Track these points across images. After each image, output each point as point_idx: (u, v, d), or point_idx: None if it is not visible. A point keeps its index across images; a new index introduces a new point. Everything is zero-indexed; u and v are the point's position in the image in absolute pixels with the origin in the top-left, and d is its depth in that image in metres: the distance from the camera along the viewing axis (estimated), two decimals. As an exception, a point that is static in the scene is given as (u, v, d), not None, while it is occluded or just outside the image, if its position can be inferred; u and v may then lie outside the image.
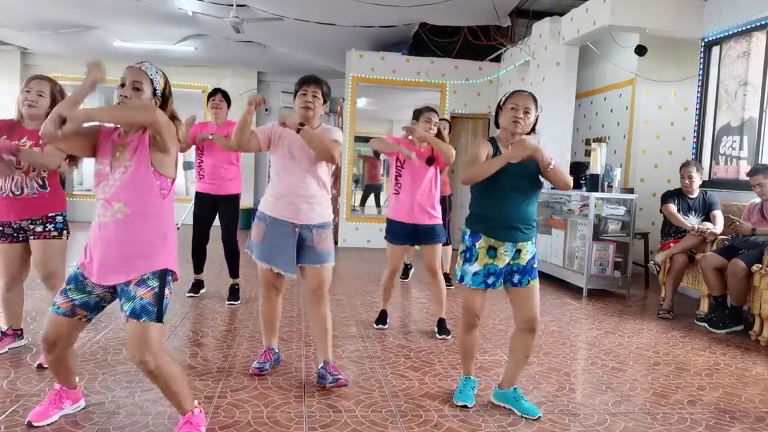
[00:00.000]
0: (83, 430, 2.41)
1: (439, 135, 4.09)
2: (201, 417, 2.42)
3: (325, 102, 3.08)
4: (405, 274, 6.09)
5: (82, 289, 2.29)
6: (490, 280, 2.73)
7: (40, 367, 3.05)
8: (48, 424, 2.43)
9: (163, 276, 2.28)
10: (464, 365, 2.98)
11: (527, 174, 2.69)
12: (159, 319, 2.23)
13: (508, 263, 2.74)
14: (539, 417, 2.74)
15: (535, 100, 2.74)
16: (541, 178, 2.75)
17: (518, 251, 2.73)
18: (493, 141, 2.77)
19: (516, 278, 2.74)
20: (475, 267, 2.72)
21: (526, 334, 2.77)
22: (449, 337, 4.03)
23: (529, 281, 2.74)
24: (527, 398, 2.87)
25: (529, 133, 2.75)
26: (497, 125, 2.80)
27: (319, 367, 3.06)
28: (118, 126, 2.35)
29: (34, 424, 2.40)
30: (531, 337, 2.77)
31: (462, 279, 2.78)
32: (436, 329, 4.12)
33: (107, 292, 2.32)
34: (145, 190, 2.27)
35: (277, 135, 3.05)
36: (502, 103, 2.77)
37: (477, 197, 2.79)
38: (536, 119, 2.75)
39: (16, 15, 7.99)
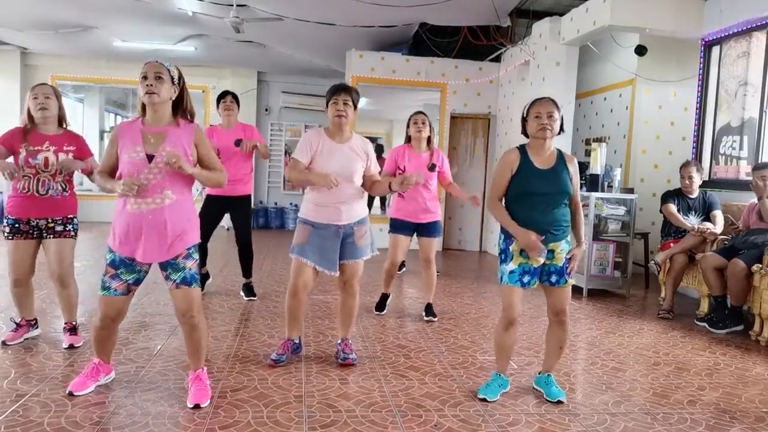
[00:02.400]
0: (83, 430, 2.42)
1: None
2: (205, 375, 2.87)
3: (355, 108, 3.28)
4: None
5: (132, 269, 2.68)
6: (525, 279, 2.85)
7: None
8: (86, 394, 2.75)
9: (197, 248, 2.75)
10: (498, 362, 3.07)
11: (557, 182, 2.84)
12: (199, 284, 2.74)
13: (544, 263, 2.87)
14: (558, 400, 2.91)
15: (555, 103, 2.88)
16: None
17: (551, 251, 2.85)
18: (523, 149, 2.90)
19: (554, 278, 2.89)
20: (511, 266, 2.86)
21: (555, 326, 2.99)
22: (435, 319, 4.46)
23: (566, 281, 2.89)
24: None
25: (559, 134, 2.91)
26: (526, 135, 2.94)
27: (337, 343, 3.48)
28: (139, 116, 2.70)
29: (75, 393, 2.73)
30: (561, 329, 2.97)
31: (501, 279, 2.92)
32: (423, 313, 4.52)
33: (149, 265, 2.71)
34: (185, 179, 2.69)
35: (315, 151, 3.23)
36: (525, 114, 2.91)
37: (509, 203, 2.92)
38: (561, 120, 2.89)
39: (16, 15, 7.99)
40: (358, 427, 2.57)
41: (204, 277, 5.05)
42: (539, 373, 3.11)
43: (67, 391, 2.74)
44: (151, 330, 3.90)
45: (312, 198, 3.26)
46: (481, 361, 3.54)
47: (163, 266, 2.67)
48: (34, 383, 2.88)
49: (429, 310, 4.52)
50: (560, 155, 2.92)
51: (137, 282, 2.71)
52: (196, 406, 2.66)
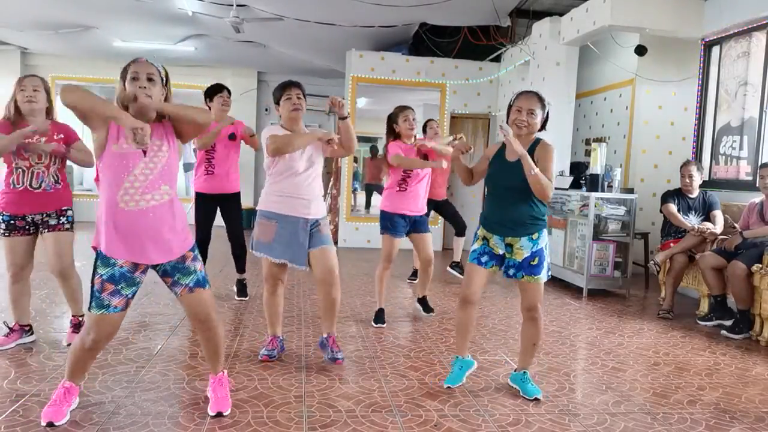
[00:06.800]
0: (83, 430, 2.42)
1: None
2: (227, 379, 2.76)
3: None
4: (415, 275, 5.91)
5: (133, 282, 2.44)
6: (482, 259, 2.97)
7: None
8: (65, 423, 2.45)
9: (198, 249, 2.61)
10: (456, 343, 3.15)
11: (519, 176, 2.81)
12: (210, 285, 2.61)
13: (504, 255, 2.95)
14: (536, 398, 2.93)
15: (540, 99, 2.88)
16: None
17: (509, 246, 2.92)
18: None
19: (511, 272, 2.95)
20: (475, 246, 3.02)
21: (528, 322, 3.01)
22: (434, 313, 4.55)
23: (523, 276, 2.91)
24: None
25: (540, 130, 2.93)
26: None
27: (323, 337, 3.36)
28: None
29: (56, 423, 2.43)
30: (532, 325, 2.99)
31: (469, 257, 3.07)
32: (420, 308, 4.61)
33: (145, 274, 2.49)
34: (175, 173, 2.51)
35: None
36: (511, 104, 2.95)
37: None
38: (546, 118, 2.92)
39: (16, 15, 7.99)
40: (358, 427, 2.57)
41: None
42: (515, 371, 3.12)
43: (44, 423, 2.41)
44: (151, 330, 3.90)
45: (277, 189, 3.22)
46: (481, 362, 3.53)
47: (170, 272, 2.47)
48: (34, 383, 2.88)
49: (425, 304, 4.56)
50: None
51: (134, 295, 2.48)
52: (219, 414, 2.57)
